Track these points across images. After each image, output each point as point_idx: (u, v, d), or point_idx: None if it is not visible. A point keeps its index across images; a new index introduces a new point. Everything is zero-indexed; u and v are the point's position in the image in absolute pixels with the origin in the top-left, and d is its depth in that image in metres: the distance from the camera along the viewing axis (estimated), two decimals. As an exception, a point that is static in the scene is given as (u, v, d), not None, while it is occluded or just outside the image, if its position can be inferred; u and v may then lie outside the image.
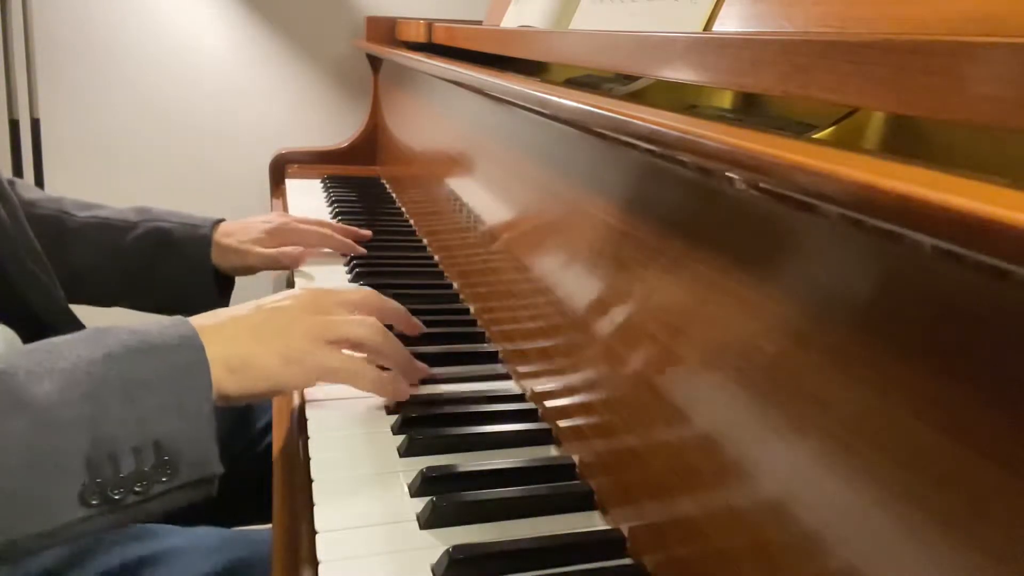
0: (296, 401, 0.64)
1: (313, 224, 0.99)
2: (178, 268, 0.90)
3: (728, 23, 0.58)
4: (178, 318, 0.52)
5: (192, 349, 0.49)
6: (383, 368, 0.61)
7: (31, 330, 0.71)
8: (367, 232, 1.03)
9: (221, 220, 0.94)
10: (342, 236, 0.99)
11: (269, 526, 0.53)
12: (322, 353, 0.55)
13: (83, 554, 0.61)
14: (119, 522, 0.46)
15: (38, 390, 0.43)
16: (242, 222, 0.95)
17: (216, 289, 0.92)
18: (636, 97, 0.71)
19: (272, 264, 0.94)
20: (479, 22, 1.28)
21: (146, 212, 0.92)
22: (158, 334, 0.49)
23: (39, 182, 1.56)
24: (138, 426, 0.45)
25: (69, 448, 0.43)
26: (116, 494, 0.45)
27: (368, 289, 0.66)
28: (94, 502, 0.44)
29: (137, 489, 0.45)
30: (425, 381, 0.66)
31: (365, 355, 0.60)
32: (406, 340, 0.67)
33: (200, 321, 0.53)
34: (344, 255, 0.98)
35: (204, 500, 0.50)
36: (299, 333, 0.55)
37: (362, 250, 0.99)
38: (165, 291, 0.91)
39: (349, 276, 0.93)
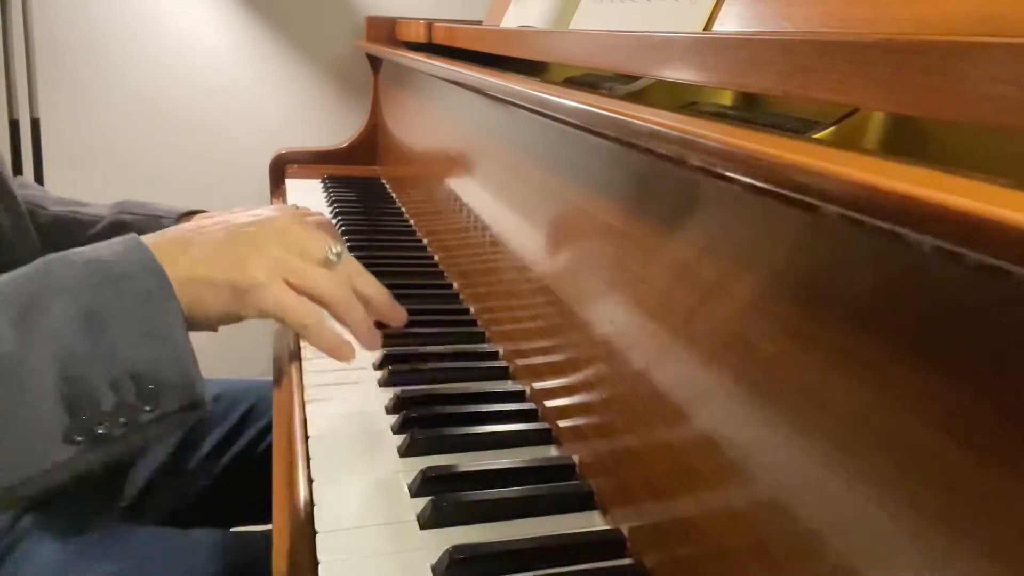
0: (297, 401, 0.64)
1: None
2: None
3: (728, 23, 0.58)
4: (132, 239, 0.49)
5: (153, 274, 0.47)
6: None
7: None
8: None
9: (196, 212, 0.83)
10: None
11: (269, 527, 0.53)
12: (277, 289, 0.51)
13: (83, 556, 0.61)
14: (113, 453, 0.45)
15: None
16: (219, 216, 0.84)
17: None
18: (636, 97, 0.71)
19: None
20: (479, 22, 1.28)
21: (119, 206, 0.84)
22: (114, 261, 0.46)
23: (39, 182, 1.56)
24: (109, 360, 0.44)
25: (39, 394, 0.42)
26: (101, 428, 0.43)
27: (349, 256, 0.60)
28: (79, 439, 0.43)
29: (123, 421, 0.44)
30: (403, 338, 0.62)
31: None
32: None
33: (157, 239, 0.50)
34: (334, 210, 0.91)
35: (203, 500, 0.49)
36: (260, 263, 0.51)
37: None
38: None
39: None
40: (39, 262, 0.47)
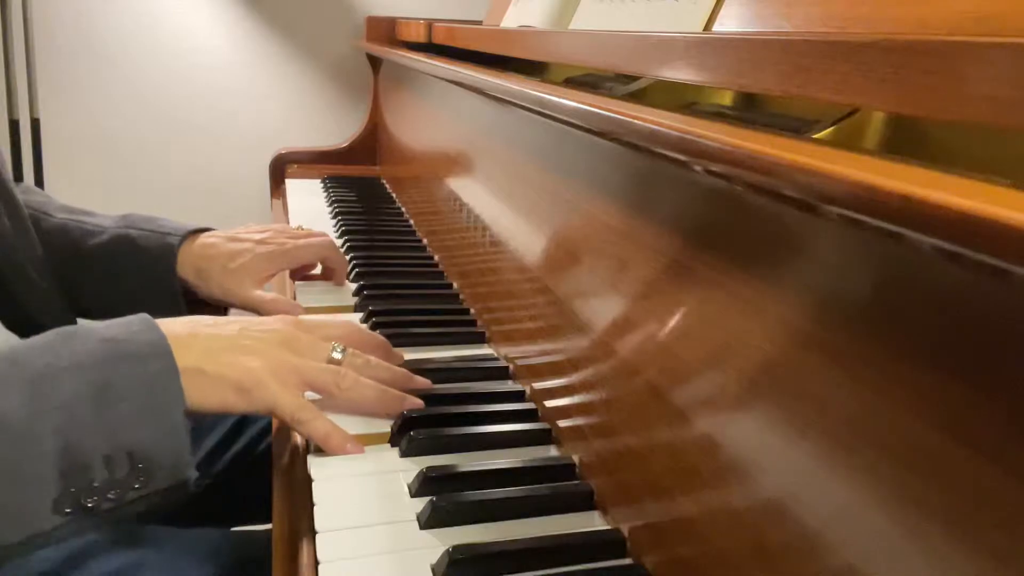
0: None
1: (315, 236, 0.88)
2: (138, 279, 0.79)
3: (728, 23, 0.58)
4: (145, 319, 0.51)
5: (162, 357, 0.49)
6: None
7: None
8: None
9: (203, 230, 0.82)
10: (342, 262, 0.89)
11: (269, 526, 0.53)
12: (276, 390, 0.53)
13: (82, 556, 0.61)
14: (94, 526, 0.46)
15: (5, 404, 0.43)
16: (229, 245, 0.81)
17: (185, 305, 0.79)
18: (636, 97, 0.71)
19: (258, 310, 0.79)
20: (479, 22, 1.28)
21: (126, 219, 0.82)
22: (127, 339, 0.49)
23: (39, 182, 1.56)
24: (110, 435, 0.45)
25: (40, 460, 0.43)
26: (90, 502, 0.45)
27: (351, 324, 0.65)
28: (68, 510, 0.44)
29: (111, 496, 0.45)
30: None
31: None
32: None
33: (171, 328, 0.52)
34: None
35: (203, 500, 0.50)
36: (262, 365, 0.53)
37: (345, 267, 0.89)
38: (126, 303, 0.75)
39: (350, 276, 0.93)
40: (57, 334, 0.49)
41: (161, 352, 0.49)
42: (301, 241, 0.85)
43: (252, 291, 0.79)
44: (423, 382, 0.63)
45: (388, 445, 0.57)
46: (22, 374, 0.45)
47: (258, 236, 0.83)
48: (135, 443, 0.46)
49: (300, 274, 0.90)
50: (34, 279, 0.75)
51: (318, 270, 0.90)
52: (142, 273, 0.79)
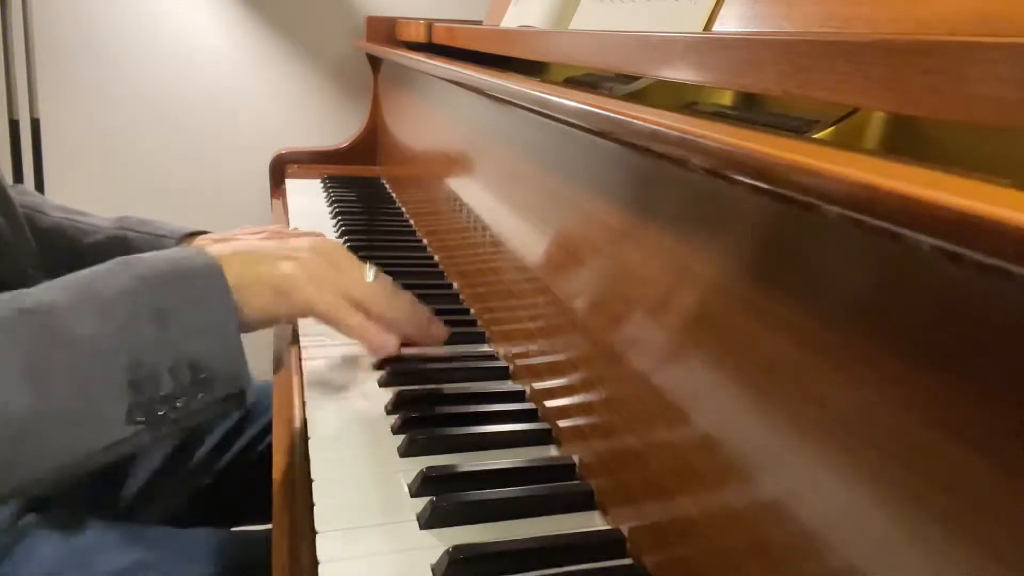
0: (296, 401, 0.64)
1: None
2: None
3: (728, 23, 0.58)
4: (194, 247, 0.56)
5: (214, 276, 0.53)
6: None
7: None
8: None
9: (198, 232, 0.83)
10: None
11: (269, 526, 0.53)
12: (312, 291, 0.57)
13: (84, 555, 0.62)
14: (164, 434, 0.50)
15: (78, 325, 0.47)
16: (221, 240, 0.81)
17: None
18: (636, 97, 0.71)
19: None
20: (479, 22, 1.28)
21: (122, 221, 0.83)
22: (182, 263, 0.53)
23: (39, 182, 1.56)
24: (172, 348, 0.49)
25: (112, 375, 0.47)
26: (160, 411, 0.49)
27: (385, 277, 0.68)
28: (140, 419, 0.48)
29: (178, 405, 0.49)
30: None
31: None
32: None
33: (216, 249, 0.56)
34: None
35: (203, 499, 0.50)
36: (299, 270, 0.57)
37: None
38: None
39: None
40: (117, 263, 0.53)
41: (214, 272, 0.53)
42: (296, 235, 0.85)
43: None
44: (443, 333, 0.67)
45: (389, 446, 0.57)
46: (93, 300, 0.49)
47: (255, 239, 0.83)
48: (195, 355, 0.50)
49: None
50: (35, 282, 0.75)
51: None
52: None
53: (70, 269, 0.80)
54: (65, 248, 0.81)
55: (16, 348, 0.46)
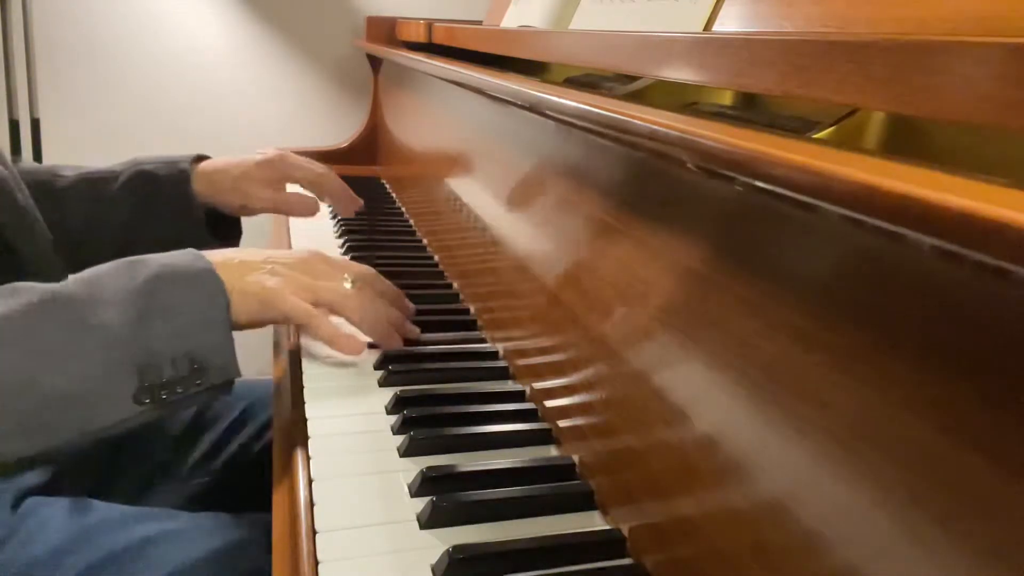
0: (296, 400, 0.64)
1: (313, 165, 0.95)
2: (161, 207, 0.87)
3: (728, 23, 0.58)
4: (194, 251, 0.62)
5: (213, 280, 0.59)
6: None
7: None
8: (359, 201, 0.99)
9: (203, 157, 0.91)
10: (341, 187, 0.96)
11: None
12: (290, 301, 0.63)
13: (88, 535, 0.63)
14: (163, 415, 0.56)
15: (103, 314, 0.54)
16: (230, 159, 0.90)
17: (205, 226, 0.88)
18: (636, 97, 0.71)
19: (278, 208, 0.92)
20: (479, 22, 1.28)
21: (133, 160, 0.90)
22: (185, 266, 0.60)
23: (39, 182, 1.56)
24: (176, 341, 0.56)
25: (126, 360, 0.54)
26: (163, 395, 0.55)
27: (371, 270, 0.73)
28: (146, 401, 0.55)
29: (179, 391, 0.56)
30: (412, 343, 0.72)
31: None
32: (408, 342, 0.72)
33: (213, 257, 0.63)
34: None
35: (202, 496, 0.58)
36: (281, 283, 0.63)
37: (360, 202, 0.98)
38: (158, 232, 0.87)
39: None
40: (125, 263, 0.59)
41: (212, 277, 0.59)
42: (299, 159, 0.93)
43: (264, 189, 0.89)
44: (416, 333, 0.73)
45: (389, 446, 0.57)
46: (109, 293, 0.56)
47: (257, 152, 0.92)
48: (194, 348, 0.56)
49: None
50: (53, 261, 0.76)
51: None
52: (164, 199, 0.87)
53: (100, 216, 0.87)
54: (91, 199, 0.86)
55: (47, 331, 0.53)
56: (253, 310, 0.62)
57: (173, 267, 0.59)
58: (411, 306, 0.76)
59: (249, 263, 0.64)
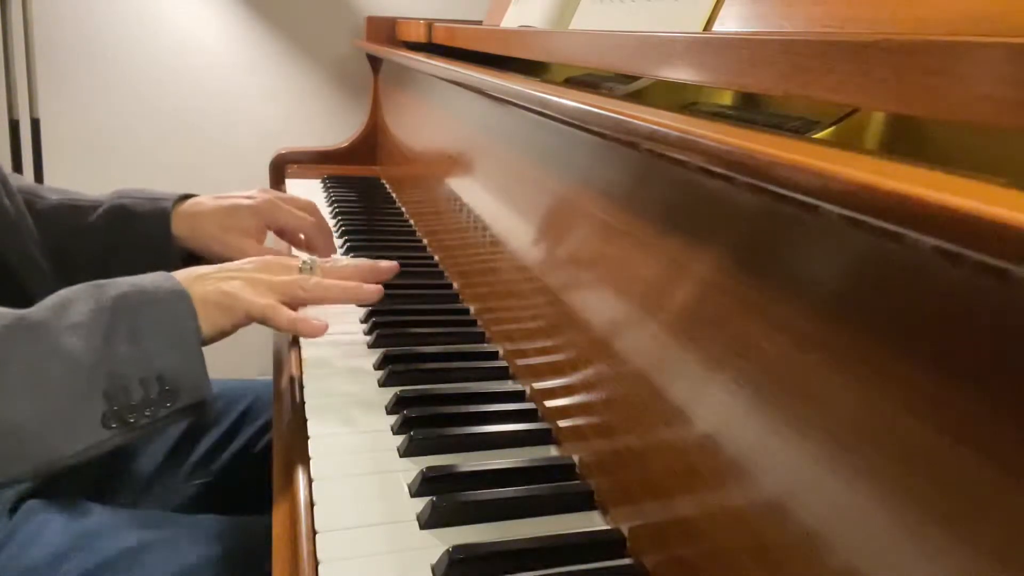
0: (296, 401, 0.64)
1: (302, 208, 0.89)
2: (137, 245, 0.83)
3: (728, 23, 0.58)
4: (162, 273, 0.62)
5: (182, 300, 0.60)
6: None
7: None
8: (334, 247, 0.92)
9: (189, 196, 0.87)
10: (327, 237, 0.90)
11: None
12: (249, 299, 0.63)
13: (86, 539, 0.63)
14: (133, 439, 0.56)
15: (67, 341, 0.54)
16: (218, 200, 0.86)
17: (180, 266, 0.83)
18: (636, 97, 0.71)
19: None
20: (479, 22, 1.28)
21: (118, 192, 0.87)
22: (153, 287, 0.59)
23: (39, 181, 1.56)
24: (143, 362, 0.55)
25: (92, 385, 0.53)
26: (131, 418, 0.55)
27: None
28: (113, 425, 0.54)
29: (147, 413, 0.55)
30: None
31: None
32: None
33: (182, 274, 0.64)
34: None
35: (200, 499, 0.56)
36: (238, 285, 0.64)
37: (333, 247, 0.91)
38: (130, 268, 0.79)
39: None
40: (93, 286, 0.59)
41: (182, 297, 0.60)
42: (287, 207, 0.88)
43: (252, 245, 0.84)
44: (389, 267, 0.74)
45: (389, 446, 0.57)
46: (77, 317, 0.55)
47: (243, 193, 0.88)
48: (163, 369, 0.56)
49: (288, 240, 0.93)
50: (38, 262, 0.76)
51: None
52: (140, 237, 0.83)
53: (76, 245, 0.84)
54: (68, 226, 0.84)
55: (13, 359, 0.52)
56: (216, 318, 0.61)
57: (141, 288, 0.59)
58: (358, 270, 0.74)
59: (205, 274, 0.65)
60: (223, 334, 0.63)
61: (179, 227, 0.84)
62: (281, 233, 0.91)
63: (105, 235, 0.84)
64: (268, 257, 0.71)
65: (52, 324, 0.54)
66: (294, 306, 0.67)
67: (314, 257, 0.70)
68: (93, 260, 0.83)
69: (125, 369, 0.55)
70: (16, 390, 0.51)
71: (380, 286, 0.70)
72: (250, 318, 0.64)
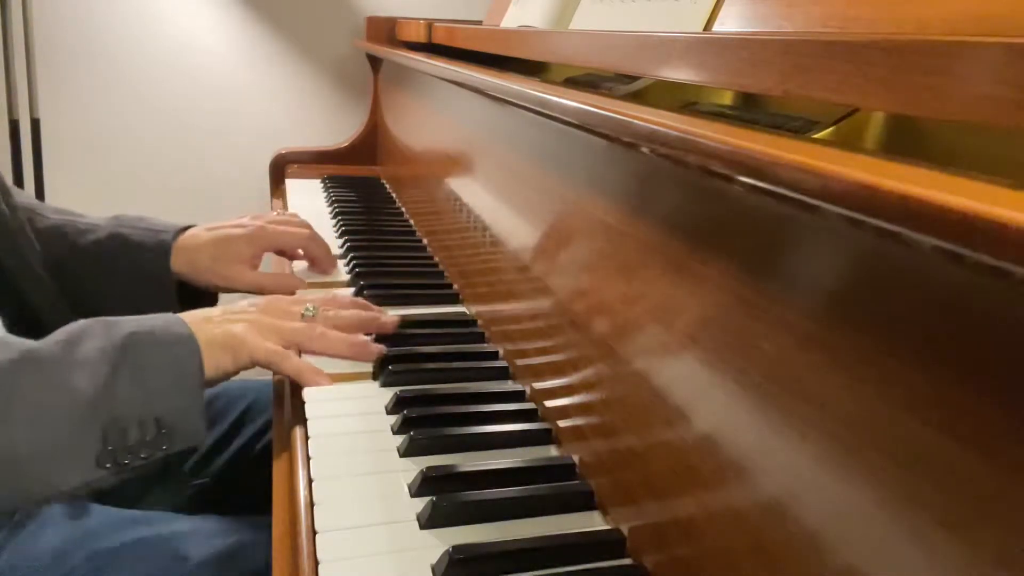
0: (296, 402, 0.64)
1: (293, 226, 0.92)
2: (137, 276, 0.83)
3: (728, 23, 0.58)
4: (171, 315, 0.63)
5: (190, 344, 0.60)
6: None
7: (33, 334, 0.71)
8: (336, 263, 0.95)
9: (189, 227, 0.87)
10: (325, 251, 0.92)
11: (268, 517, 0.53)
12: (254, 344, 0.64)
13: (87, 537, 0.63)
14: (122, 480, 0.56)
15: (74, 377, 0.54)
16: (212, 232, 0.86)
17: (177, 301, 0.84)
18: (636, 97, 0.71)
19: (256, 291, 0.85)
20: (479, 22, 1.28)
21: (117, 219, 0.86)
22: (162, 329, 0.60)
23: (39, 182, 1.56)
24: (144, 404, 0.56)
25: (93, 423, 0.54)
26: (125, 459, 0.55)
27: (328, 295, 0.78)
28: (107, 465, 0.54)
29: (142, 455, 0.56)
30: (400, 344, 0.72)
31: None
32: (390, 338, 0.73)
33: (189, 316, 0.64)
34: (323, 271, 0.93)
35: (200, 499, 0.58)
36: (243, 329, 0.64)
37: (335, 264, 0.94)
38: (120, 297, 0.84)
39: (348, 275, 0.93)
40: (99, 322, 0.59)
41: (189, 341, 0.60)
42: (280, 228, 0.89)
43: (247, 272, 0.85)
44: (392, 321, 0.74)
45: (389, 446, 0.57)
46: (83, 354, 0.56)
47: (235, 222, 0.89)
48: (163, 412, 0.56)
49: (288, 257, 0.94)
50: (41, 277, 0.76)
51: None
52: (138, 269, 0.83)
53: (71, 268, 0.84)
54: (65, 248, 0.83)
55: (18, 392, 0.53)
56: (221, 359, 0.62)
57: (151, 329, 0.59)
58: (376, 308, 0.76)
59: (212, 316, 0.65)
60: (226, 376, 0.63)
61: (178, 262, 0.84)
62: (280, 252, 0.93)
63: (102, 261, 0.84)
64: (272, 298, 0.72)
65: (60, 360, 0.55)
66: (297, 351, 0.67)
67: (316, 303, 0.71)
68: (91, 279, 0.84)
69: (126, 410, 0.55)
70: (18, 423, 0.52)
71: (383, 346, 0.70)
72: (254, 362, 0.64)
